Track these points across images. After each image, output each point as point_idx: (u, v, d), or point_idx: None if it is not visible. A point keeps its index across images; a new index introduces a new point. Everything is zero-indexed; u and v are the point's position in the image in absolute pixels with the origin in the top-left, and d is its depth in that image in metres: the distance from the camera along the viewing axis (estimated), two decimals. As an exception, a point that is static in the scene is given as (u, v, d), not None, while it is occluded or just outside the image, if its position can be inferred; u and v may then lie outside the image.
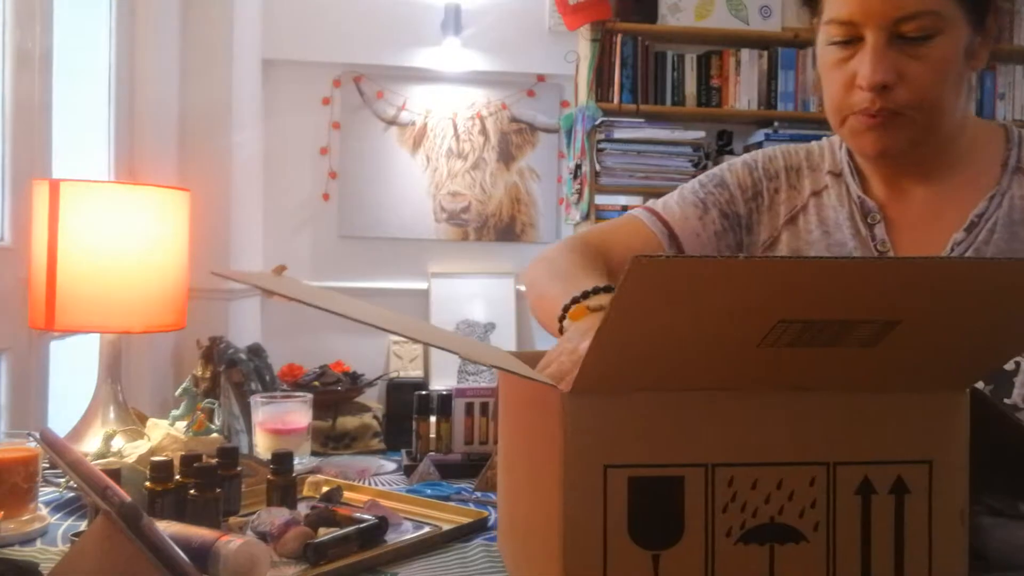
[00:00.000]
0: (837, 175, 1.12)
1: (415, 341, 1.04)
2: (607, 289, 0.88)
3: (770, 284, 0.57)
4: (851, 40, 0.97)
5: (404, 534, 0.98)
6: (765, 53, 3.58)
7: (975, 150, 1.06)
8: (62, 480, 1.18)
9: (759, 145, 3.49)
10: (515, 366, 0.72)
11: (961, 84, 0.99)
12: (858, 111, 0.98)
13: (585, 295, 0.88)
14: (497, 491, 0.97)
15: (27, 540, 0.99)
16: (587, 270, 1.00)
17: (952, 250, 1.03)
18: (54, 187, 1.38)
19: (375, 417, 1.58)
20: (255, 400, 1.31)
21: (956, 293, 0.60)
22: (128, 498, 0.65)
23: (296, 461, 1.17)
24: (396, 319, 0.81)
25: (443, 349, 0.73)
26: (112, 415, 1.39)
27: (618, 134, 3.42)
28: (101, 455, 1.26)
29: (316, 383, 1.65)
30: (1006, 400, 0.98)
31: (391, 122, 4.21)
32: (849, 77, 0.98)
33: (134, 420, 1.40)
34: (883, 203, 1.09)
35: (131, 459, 1.18)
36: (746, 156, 1.18)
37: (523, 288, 4.19)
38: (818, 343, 0.62)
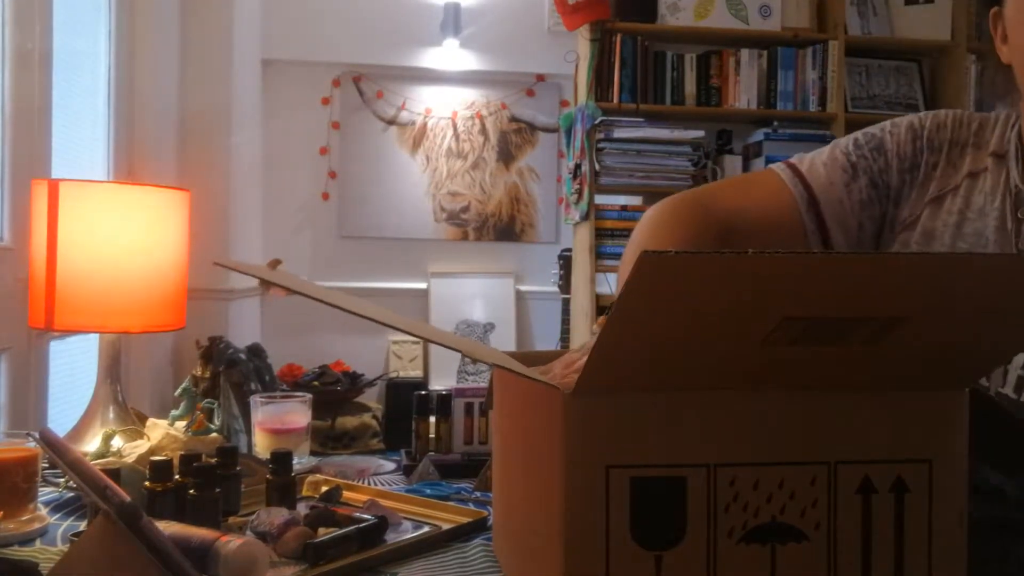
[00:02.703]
0: (1000, 156, 1.02)
1: (414, 336, 1.04)
2: None
3: (777, 280, 0.57)
4: None
5: (404, 534, 0.98)
6: (765, 53, 3.58)
7: None
8: (62, 480, 1.18)
9: (759, 144, 3.48)
10: (515, 366, 0.72)
11: None
12: None
13: None
14: (492, 492, 0.97)
15: (27, 540, 0.99)
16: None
17: None
18: (53, 187, 1.38)
19: (375, 417, 1.58)
20: (255, 400, 1.31)
21: (959, 288, 0.60)
22: (127, 498, 0.65)
23: (295, 461, 1.17)
24: (394, 316, 0.81)
25: (442, 345, 0.73)
26: (112, 415, 1.39)
27: (618, 134, 3.41)
28: (101, 455, 1.26)
29: (316, 383, 1.66)
30: (1000, 390, 0.97)
31: (391, 122, 4.21)
32: None
33: (134, 420, 1.40)
34: None
35: (130, 459, 1.18)
36: (912, 118, 1.08)
37: (522, 288, 4.21)
38: (820, 341, 0.62)
